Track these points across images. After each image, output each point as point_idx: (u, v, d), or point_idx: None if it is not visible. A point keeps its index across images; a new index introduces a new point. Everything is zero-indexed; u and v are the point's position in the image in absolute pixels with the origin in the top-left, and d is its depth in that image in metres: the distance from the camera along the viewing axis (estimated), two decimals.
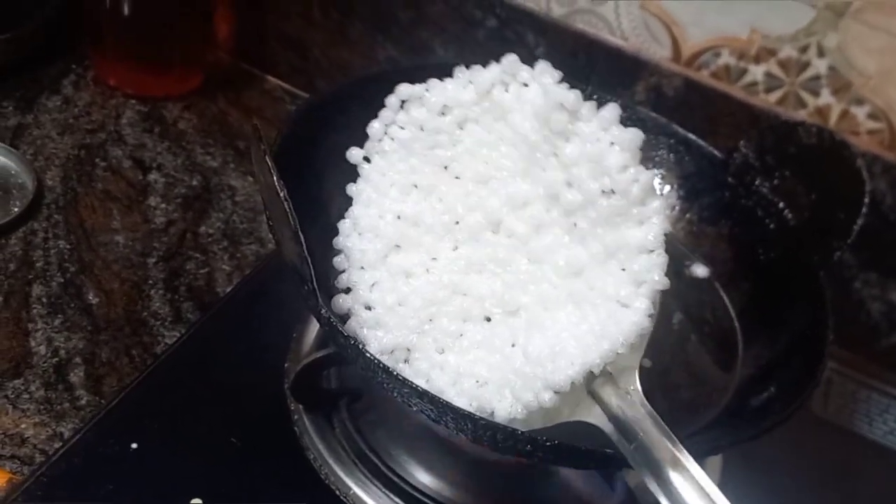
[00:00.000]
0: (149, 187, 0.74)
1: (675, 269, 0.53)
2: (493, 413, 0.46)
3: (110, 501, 0.52)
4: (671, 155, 0.61)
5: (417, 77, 0.55)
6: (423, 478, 0.54)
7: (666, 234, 0.49)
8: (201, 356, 0.61)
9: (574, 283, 0.49)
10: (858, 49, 0.65)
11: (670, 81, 0.70)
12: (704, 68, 0.70)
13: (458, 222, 0.51)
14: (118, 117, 0.80)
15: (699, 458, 0.42)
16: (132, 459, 0.54)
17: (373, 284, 0.50)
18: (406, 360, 0.48)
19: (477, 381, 0.46)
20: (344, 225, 0.53)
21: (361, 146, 0.55)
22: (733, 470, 0.57)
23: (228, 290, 0.67)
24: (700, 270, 0.58)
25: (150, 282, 0.66)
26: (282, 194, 0.44)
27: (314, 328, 0.60)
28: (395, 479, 0.54)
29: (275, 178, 0.44)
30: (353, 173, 0.55)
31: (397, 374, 0.44)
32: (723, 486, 0.41)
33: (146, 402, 0.58)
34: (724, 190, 0.60)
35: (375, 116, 0.55)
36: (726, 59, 0.69)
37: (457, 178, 0.53)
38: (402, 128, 0.54)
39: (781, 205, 0.57)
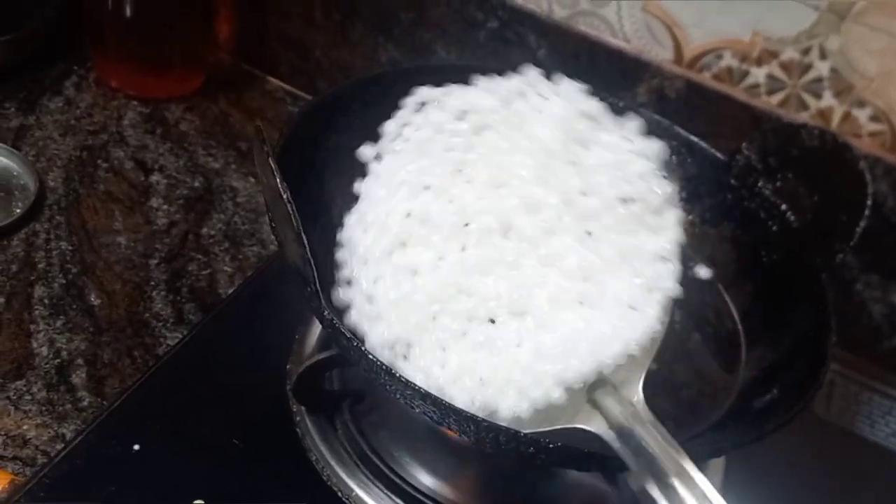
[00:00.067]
0: (150, 188, 0.74)
1: None
2: (496, 412, 0.45)
3: (113, 503, 0.52)
4: (673, 157, 0.61)
5: (419, 78, 0.55)
6: (425, 479, 0.54)
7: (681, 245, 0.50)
8: (203, 357, 0.61)
9: (585, 287, 0.49)
10: (860, 51, 0.65)
11: (672, 83, 0.70)
12: (706, 70, 0.70)
13: (467, 224, 0.51)
14: (120, 118, 0.80)
15: (702, 460, 0.42)
16: (134, 461, 0.54)
17: (376, 279, 0.50)
18: (405, 357, 0.48)
19: (480, 380, 0.46)
20: (349, 219, 0.53)
21: (363, 147, 0.55)
22: (735, 470, 0.57)
23: (230, 291, 0.67)
24: (703, 272, 0.58)
25: (152, 283, 0.66)
26: (285, 196, 0.44)
27: (316, 329, 0.60)
28: (398, 480, 0.54)
29: (278, 179, 0.44)
30: (354, 174, 0.55)
31: (400, 375, 0.44)
32: (725, 487, 0.41)
33: (148, 404, 0.58)
34: (726, 192, 0.60)
35: (377, 117, 0.55)
36: (728, 61, 0.69)
37: (469, 181, 0.53)
38: (416, 130, 0.54)
39: (784, 207, 0.57)
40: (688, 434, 0.49)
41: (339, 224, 0.53)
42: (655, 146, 0.53)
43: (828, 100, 0.67)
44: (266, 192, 0.47)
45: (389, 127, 0.55)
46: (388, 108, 0.57)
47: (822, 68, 0.66)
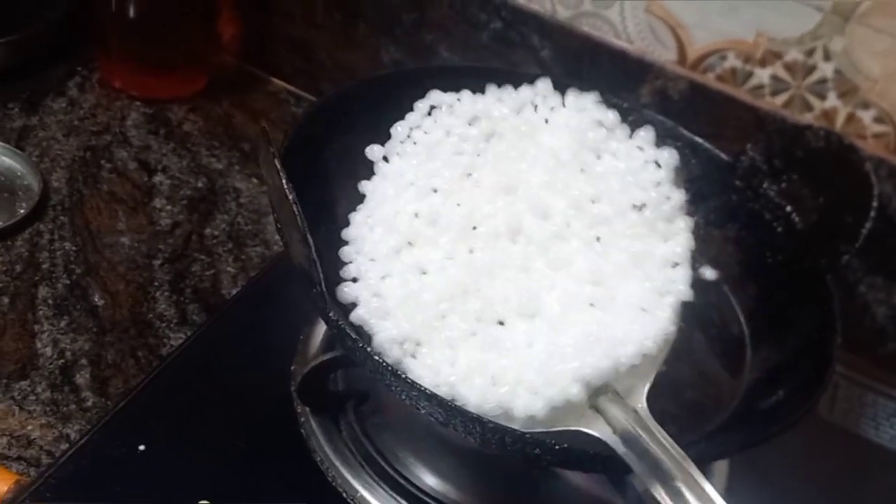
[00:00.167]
0: (154, 189, 0.74)
1: None
2: (510, 411, 0.45)
3: (118, 503, 0.52)
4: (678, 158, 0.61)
5: (423, 79, 0.55)
6: (430, 480, 0.54)
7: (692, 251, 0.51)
8: (207, 358, 0.61)
9: (595, 291, 0.50)
10: (864, 52, 0.65)
11: (676, 84, 0.70)
12: (710, 71, 0.70)
13: (475, 227, 0.51)
14: (123, 119, 0.80)
15: (707, 462, 0.43)
16: (139, 461, 0.54)
17: (384, 276, 0.50)
18: (414, 355, 0.47)
19: (492, 379, 0.46)
20: (355, 216, 0.53)
21: (366, 148, 0.55)
22: (739, 472, 0.56)
23: (234, 292, 0.67)
24: (707, 273, 0.58)
25: (156, 283, 0.66)
26: (290, 197, 0.44)
27: (321, 330, 0.60)
28: (402, 481, 0.54)
29: (283, 180, 0.44)
30: (358, 175, 0.55)
31: (405, 376, 0.44)
32: (729, 489, 0.41)
33: (153, 404, 0.58)
34: (731, 193, 0.60)
35: (382, 118, 0.55)
36: (732, 62, 0.69)
37: (477, 185, 0.53)
38: (426, 133, 0.54)
39: (789, 208, 0.57)
40: (693, 436, 0.49)
41: (343, 225, 0.53)
42: (667, 155, 0.55)
43: (832, 101, 0.67)
44: (271, 193, 0.47)
45: (398, 129, 0.55)
46: (393, 109, 0.57)
47: (826, 69, 0.66)
